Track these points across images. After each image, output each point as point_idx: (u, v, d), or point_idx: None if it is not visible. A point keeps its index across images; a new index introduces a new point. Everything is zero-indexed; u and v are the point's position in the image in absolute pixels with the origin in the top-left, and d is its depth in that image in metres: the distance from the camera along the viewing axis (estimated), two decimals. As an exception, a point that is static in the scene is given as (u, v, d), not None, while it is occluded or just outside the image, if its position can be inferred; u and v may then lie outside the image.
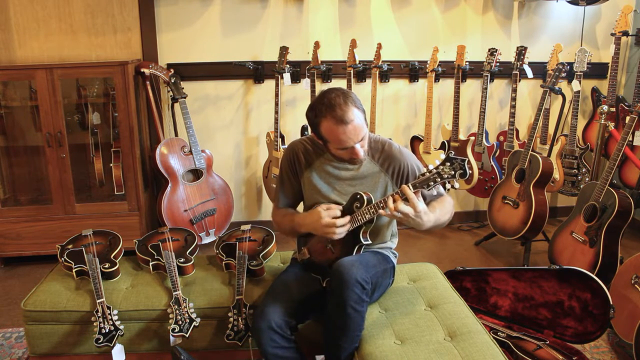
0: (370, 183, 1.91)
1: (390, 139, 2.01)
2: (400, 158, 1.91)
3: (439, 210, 1.82)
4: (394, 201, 1.67)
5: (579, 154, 3.41)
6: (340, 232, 1.78)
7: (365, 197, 1.78)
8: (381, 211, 1.70)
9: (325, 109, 1.76)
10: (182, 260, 2.17)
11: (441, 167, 1.63)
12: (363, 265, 1.74)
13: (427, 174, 1.65)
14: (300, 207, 2.12)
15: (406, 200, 1.67)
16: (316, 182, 1.95)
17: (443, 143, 3.59)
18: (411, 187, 1.67)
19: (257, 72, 3.51)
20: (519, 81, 3.42)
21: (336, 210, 1.81)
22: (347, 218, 1.79)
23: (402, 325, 1.82)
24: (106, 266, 2.13)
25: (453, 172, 1.61)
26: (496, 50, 3.42)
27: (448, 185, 1.64)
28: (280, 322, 1.75)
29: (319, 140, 1.89)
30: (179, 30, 3.43)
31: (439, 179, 1.63)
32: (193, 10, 3.40)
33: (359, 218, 1.78)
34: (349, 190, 1.90)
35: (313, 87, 3.36)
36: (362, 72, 3.55)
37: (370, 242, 1.84)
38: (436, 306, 1.94)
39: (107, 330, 1.91)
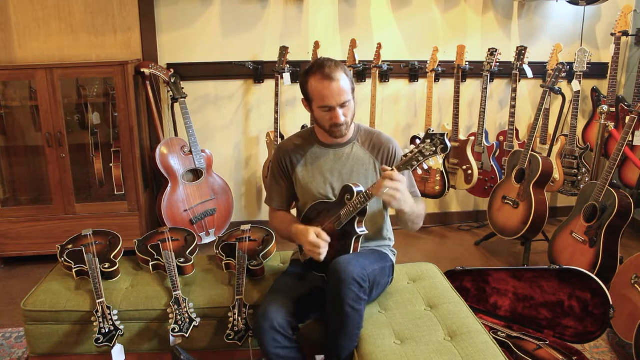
0: (362, 169, 1.95)
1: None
2: (388, 144, 1.98)
3: (413, 203, 1.84)
4: (380, 182, 1.69)
5: (579, 154, 3.41)
6: (322, 253, 1.80)
7: (355, 189, 1.80)
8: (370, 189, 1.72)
9: (315, 68, 1.84)
10: (182, 260, 2.17)
11: (422, 145, 1.63)
12: (360, 263, 1.75)
13: (410, 154, 1.67)
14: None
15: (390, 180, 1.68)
16: (308, 179, 1.97)
17: (443, 143, 3.58)
18: (395, 169, 1.68)
19: (257, 72, 3.51)
20: (519, 81, 3.42)
21: (322, 241, 1.81)
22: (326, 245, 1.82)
23: (402, 325, 1.82)
24: (106, 266, 2.13)
25: (434, 149, 1.61)
26: (496, 50, 3.42)
27: (432, 162, 1.65)
28: (283, 322, 1.75)
29: (306, 107, 1.94)
30: (179, 30, 3.43)
31: (422, 157, 1.64)
32: (193, 10, 3.40)
33: (351, 209, 1.79)
34: (340, 180, 1.94)
35: (313, 87, 3.36)
36: (362, 72, 3.55)
37: (366, 230, 1.84)
38: (436, 306, 1.94)
39: (107, 330, 1.91)
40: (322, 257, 1.81)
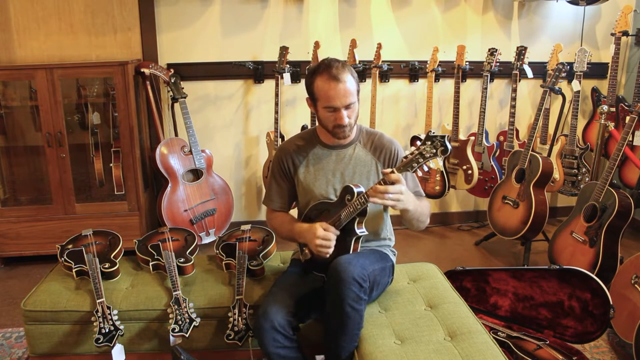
0: (364, 171, 1.96)
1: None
2: (390, 146, 1.98)
3: (416, 201, 1.85)
4: (381, 185, 1.70)
5: (579, 154, 3.41)
6: (331, 247, 1.80)
7: (355, 189, 1.80)
8: (371, 198, 1.71)
9: (322, 68, 1.85)
10: (182, 260, 2.17)
11: (422, 147, 1.64)
12: (360, 263, 1.75)
13: (410, 155, 1.67)
14: (295, 211, 2.13)
15: (391, 183, 1.69)
16: (310, 180, 1.97)
17: (443, 143, 3.58)
18: (395, 170, 1.69)
19: (257, 72, 3.51)
20: (519, 81, 3.42)
21: (332, 234, 1.82)
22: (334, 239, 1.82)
23: (402, 325, 1.82)
24: (106, 266, 2.13)
25: (435, 150, 1.62)
26: (496, 50, 3.42)
27: (432, 165, 1.65)
28: (283, 322, 1.75)
29: (311, 106, 1.94)
30: (179, 30, 3.43)
31: (422, 159, 1.64)
32: (193, 10, 3.40)
33: (351, 210, 1.79)
34: (342, 181, 1.94)
35: (313, 87, 3.36)
36: (362, 72, 3.54)
37: (366, 231, 1.85)
38: (436, 306, 1.94)
39: (107, 330, 1.91)
40: (330, 252, 1.80)
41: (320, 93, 1.85)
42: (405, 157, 1.68)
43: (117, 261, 2.18)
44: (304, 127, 3.42)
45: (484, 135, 3.48)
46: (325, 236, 1.80)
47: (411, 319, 1.85)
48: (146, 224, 3.30)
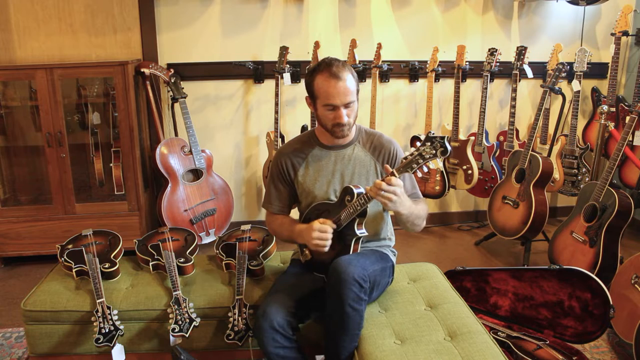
0: (363, 171, 1.96)
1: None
2: (389, 146, 1.98)
3: (412, 203, 1.85)
4: (379, 183, 1.70)
5: (579, 154, 3.41)
6: (329, 239, 1.81)
7: (355, 190, 1.80)
8: (369, 187, 1.72)
9: (323, 66, 1.86)
10: (182, 260, 2.17)
11: (422, 148, 1.64)
12: (361, 263, 1.75)
13: (409, 157, 1.67)
14: (295, 212, 2.13)
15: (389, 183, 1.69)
16: (310, 181, 1.97)
17: (443, 143, 3.58)
18: (395, 171, 1.69)
19: (257, 72, 3.51)
20: (519, 81, 3.42)
21: (329, 226, 1.83)
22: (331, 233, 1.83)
23: (402, 325, 1.82)
24: (106, 266, 2.13)
25: (434, 152, 1.62)
26: (496, 50, 3.42)
27: (432, 165, 1.66)
28: (283, 322, 1.75)
29: (310, 105, 1.94)
30: (179, 30, 3.43)
31: (422, 160, 1.64)
32: (193, 10, 3.40)
33: (351, 211, 1.79)
34: (342, 181, 1.94)
35: (313, 87, 3.36)
36: (362, 72, 3.54)
37: (366, 232, 1.85)
38: (436, 306, 1.94)
39: (107, 330, 1.91)
40: (328, 245, 1.81)
41: (320, 91, 1.85)
42: (405, 157, 1.69)
43: (117, 261, 2.18)
44: (304, 127, 3.43)
45: (484, 135, 3.49)
46: (321, 229, 1.80)
47: (411, 319, 1.85)
48: (146, 224, 3.30)
